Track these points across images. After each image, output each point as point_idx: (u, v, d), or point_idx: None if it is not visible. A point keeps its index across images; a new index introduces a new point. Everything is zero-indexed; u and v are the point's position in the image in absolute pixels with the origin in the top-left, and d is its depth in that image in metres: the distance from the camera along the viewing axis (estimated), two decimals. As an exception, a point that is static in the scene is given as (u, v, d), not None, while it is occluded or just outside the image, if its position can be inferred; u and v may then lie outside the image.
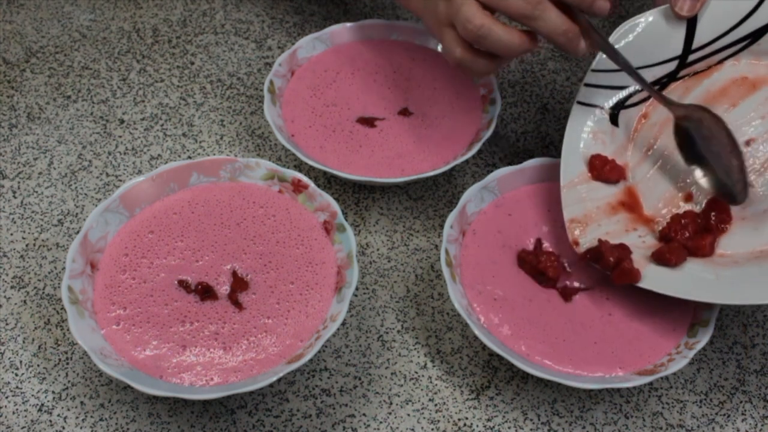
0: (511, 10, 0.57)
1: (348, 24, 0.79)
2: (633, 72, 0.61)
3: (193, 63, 0.83)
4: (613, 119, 0.65)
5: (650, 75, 0.65)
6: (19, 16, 0.86)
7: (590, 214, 0.62)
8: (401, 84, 0.76)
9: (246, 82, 0.81)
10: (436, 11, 0.62)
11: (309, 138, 0.71)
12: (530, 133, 0.79)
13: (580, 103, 0.65)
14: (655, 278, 0.58)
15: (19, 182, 0.71)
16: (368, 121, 0.73)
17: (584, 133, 0.64)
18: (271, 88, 0.73)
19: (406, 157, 0.70)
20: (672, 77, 0.65)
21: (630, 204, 0.63)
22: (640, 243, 0.61)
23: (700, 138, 0.61)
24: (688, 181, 0.62)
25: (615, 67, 0.62)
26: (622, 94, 0.65)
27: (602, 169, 0.63)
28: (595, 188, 0.63)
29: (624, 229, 0.62)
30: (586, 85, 0.65)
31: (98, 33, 0.85)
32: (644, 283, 0.58)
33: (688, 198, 0.62)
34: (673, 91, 0.65)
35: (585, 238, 0.61)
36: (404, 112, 0.74)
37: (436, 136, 0.72)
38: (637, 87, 0.65)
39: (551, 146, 0.77)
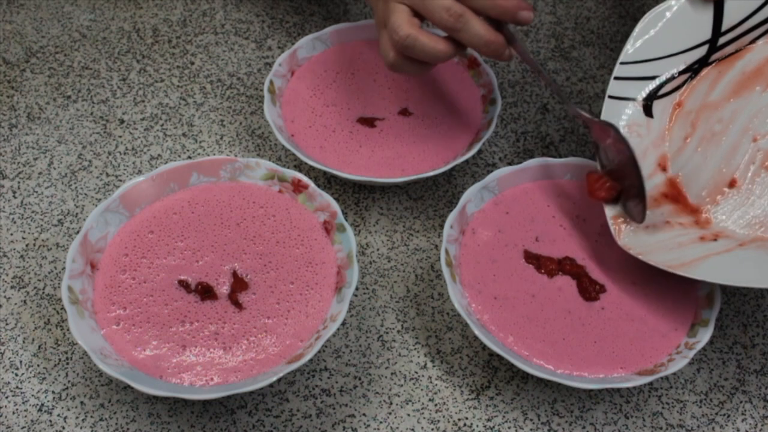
0: (435, 21, 0.58)
1: (348, 24, 0.79)
2: (555, 86, 0.62)
3: (193, 63, 0.83)
4: (647, 110, 0.64)
5: (681, 62, 0.64)
6: (19, 16, 0.86)
7: None
8: (401, 84, 0.76)
9: (246, 82, 0.81)
10: (376, 10, 0.63)
11: (309, 138, 0.71)
12: (530, 133, 0.79)
13: (611, 97, 0.64)
14: (714, 270, 0.57)
15: (19, 182, 0.71)
16: (368, 121, 0.73)
17: (619, 128, 0.64)
18: (271, 88, 0.73)
19: (406, 157, 0.70)
20: (703, 62, 0.64)
21: (673, 195, 0.62)
22: (686, 234, 0.60)
23: (610, 153, 0.61)
24: (731, 165, 0.61)
25: (645, 57, 0.61)
26: (654, 84, 0.64)
27: (594, 186, 0.63)
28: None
29: (666, 221, 0.61)
30: (616, 78, 0.64)
31: (98, 33, 0.85)
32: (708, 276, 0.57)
33: (732, 184, 0.61)
34: (705, 77, 0.64)
35: (628, 237, 0.60)
36: (404, 112, 0.74)
37: (436, 136, 0.72)
38: (669, 75, 0.64)
39: (551, 146, 0.77)
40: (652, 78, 0.64)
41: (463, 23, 0.57)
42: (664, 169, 0.63)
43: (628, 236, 0.60)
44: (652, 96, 0.64)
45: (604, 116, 0.63)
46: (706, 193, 0.61)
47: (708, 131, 0.62)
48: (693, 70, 0.64)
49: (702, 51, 0.64)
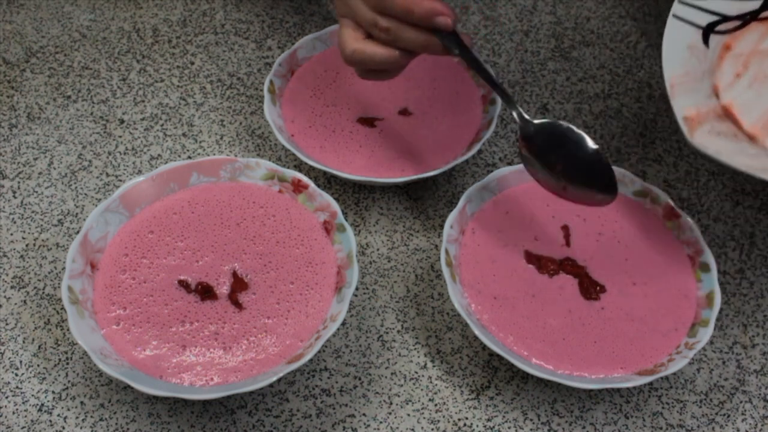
0: (374, 36, 0.60)
1: (348, 24, 0.79)
2: (495, 82, 0.61)
3: (193, 63, 0.83)
4: (705, 39, 0.64)
5: (735, 8, 0.64)
6: (19, 16, 0.86)
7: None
8: (401, 84, 0.76)
9: (246, 82, 0.81)
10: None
11: (309, 138, 0.71)
12: (530, 133, 0.79)
13: (675, 17, 0.63)
14: None
15: (19, 182, 0.71)
16: (368, 121, 0.73)
17: (681, 47, 0.63)
18: (271, 88, 0.73)
19: (406, 157, 0.70)
20: (754, 16, 0.64)
21: (732, 118, 0.61)
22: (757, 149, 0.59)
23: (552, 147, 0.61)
24: None
25: None
26: (713, 18, 0.64)
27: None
28: (689, 101, 0.61)
29: (734, 134, 0.59)
30: (680, 2, 0.64)
31: (98, 33, 0.85)
32: None
33: None
34: (754, 29, 0.64)
35: (702, 137, 0.58)
36: (404, 112, 0.74)
37: (436, 136, 0.72)
38: (723, 14, 0.64)
39: (551, 146, 0.77)
40: (711, 12, 0.64)
41: (396, 34, 0.58)
42: (717, 96, 0.63)
43: (702, 136, 0.59)
44: (710, 28, 0.64)
45: (668, 34, 0.63)
46: (762, 125, 0.61)
47: (761, 73, 0.62)
48: (743, 18, 0.64)
49: (755, 5, 0.64)
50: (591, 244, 0.64)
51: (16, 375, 0.60)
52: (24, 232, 0.68)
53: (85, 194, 0.71)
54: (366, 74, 0.63)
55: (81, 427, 0.57)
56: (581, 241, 0.64)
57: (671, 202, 0.65)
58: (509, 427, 0.59)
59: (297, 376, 0.60)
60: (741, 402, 0.61)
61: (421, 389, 0.60)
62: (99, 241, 0.60)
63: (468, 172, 0.75)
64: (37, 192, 0.71)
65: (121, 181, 0.72)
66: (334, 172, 0.67)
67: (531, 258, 0.62)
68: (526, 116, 0.61)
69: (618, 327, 0.59)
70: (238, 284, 0.59)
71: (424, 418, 0.59)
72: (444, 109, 0.74)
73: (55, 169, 0.73)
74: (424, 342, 0.63)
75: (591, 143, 0.59)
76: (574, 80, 0.84)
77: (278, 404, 0.59)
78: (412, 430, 0.58)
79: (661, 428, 0.59)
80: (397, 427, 0.58)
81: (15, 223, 0.69)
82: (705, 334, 0.58)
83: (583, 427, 0.59)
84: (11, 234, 0.68)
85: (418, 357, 0.62)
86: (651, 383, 0.61)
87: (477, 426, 0.59)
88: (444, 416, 0.59)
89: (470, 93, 0.75)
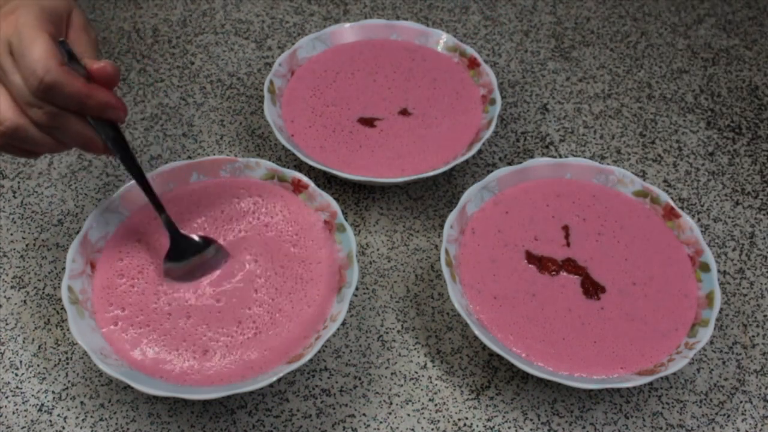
0: (31, 116, 0.49)
1: (348, 24, 0.79)
2: (148, 186, 0.57)
3: (193, 63, 0.83)
4: None
5: None
6: (19, 16, 0.86)
7: None
8: (401, 84, 0.76)
9: (246, 82, 0.81)
10: None
11: (309, 138, 0.71)
12: (530, 133, 0.79)
13: None
14: None
15: (19, 182, 0.71)
16: (368, 121, 0.73)
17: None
18: (271, 88, 0.73)
19: (406, 157, 0.70)
20: None
21: None
22: None
23: None
24: None
25: None
26: None
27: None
28: None
29: None
30: None
31: (98, 33, 0.85)
32: None
33: None
34: None
35: None
36: (404, 112, 0.74)
37: (436, 136, 0.72)
38: None
39: (551, 146, 0.77)
40: None
41: (58, 122, 0.49)
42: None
43: None
44: None
45: None
46: None
47: None
48: None
49: None
50: (591, 244, 0.64)
51: (16, 375, 0.60)
52: (24, 232, 0.68)
53: (85, 194, 0.71)
54: (11, 150, 0.52)
55: (81, 427, 0.57)
56: (581, 241, 0.64)
57: (671, 202, 0.65)
58: (509, 427, 0.59)
59: (297, 376, 0.60)
60: (741, 402, 0.61)
61: (421, 389, 0.60)
62: (99, 241, 0.60)
63: (468, 172, 0.75)
64: (37, 192, 0.71)
65: (121, 181, 0.72)
66: (334, 172, 0.67)
67: (532, 258, 0.62)
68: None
69: (618, 327, 0.59)
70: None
71: (424, 418, 0.59)
72: (444, 109, 0.74)
73: (55, 169, 0.73)
74: (424, 342, 0.63)
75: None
76: (574, 80, 0.84)
77: (278, 404, 0.59)
78: (412, 430, 0.58)
79: (661, 428, 0.59)
80: (397, 427, 0.58)
81: (15, 223, 0.69)
82: (705, 334, 0.58)
83: (583, 427, 0.59)
84: (11, 234, 0.68)
85: (418, 357, 0.62)
86: (651, 383, 0.61)
87: (477, 426, 0.59)
88: (444, 416, 0.59)
89: (470, 93, 0.75)
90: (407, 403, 0.59)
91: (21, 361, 0.60)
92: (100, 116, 0.51)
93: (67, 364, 0.60)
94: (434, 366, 0.61)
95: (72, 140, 0.51)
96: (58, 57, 0.48)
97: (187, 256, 0.59)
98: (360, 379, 0.61)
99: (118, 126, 0.53)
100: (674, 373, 0.62)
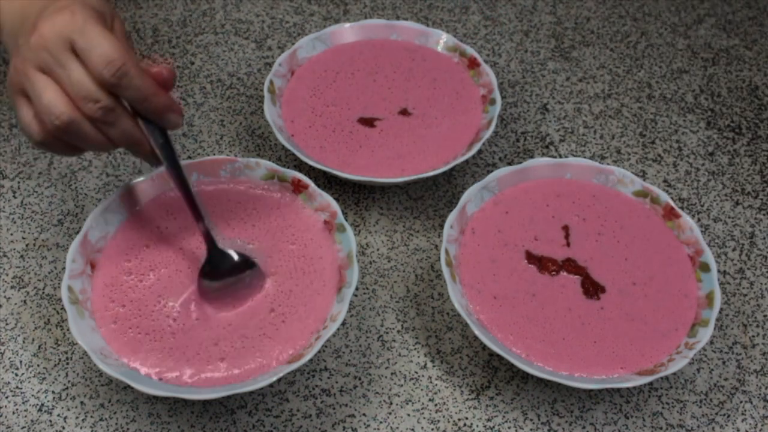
0: (84, 110, 0.49)
1: (348, 24, 0.79)
2: (194, 202, 0.57)
3: (193, 63, 0.83)
4: None
5: None
6: (19, 16, 0.86)
7: None
8: (401, 84, 0.76)
9: (246, 82, 0.81)
10: (10, 71, 0.51)
11: (309, 138, 0.71)
12: (530, 133, 0.79)
13: None
14: None
15: (19, 182, 0.71)
16: (368, 121, 0.73)
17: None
18: (271, 88, 0.73)
19: (406, 157, 0.70)
20: None
21: None
22: None
23: None
24: None
25: None
26: None
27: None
28: None
29: None
30: None
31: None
32: None
33: None
34: None
35: None
36: (404, 112, 0.74)
37: (436, 136, 0.72)
38: None
39: (551, 146, 0.77)
40: None
41: (112, 117, 0.50)
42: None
43: None
44: None
45: None
46: None
47: None
48: None
49: None
50: (591, 244, 0.64)
51: (16, 375, 0.60)
52: (24, 232, 0.68)
53: (85, 194, 0.71)
54: (51, 146, 0.52)
55: (81, 427, 0.57)
56: (581, 241, 0.64)
57: (671, 202, 0.65)
58: (509, 427, 0.59)
59: (297, 376, 0.60)
60: (741, 402, 0.61)
61: (421, 389, 0.60)
62: (99, 241, 0.60)
63: (468, 172, 0.75)
64: (37, 192, 0.71)
65: (121, 181, 0.72)
66: (334, 172, 0.67)
67: (532, 258, 0.62)
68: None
69: (618, 327, 0.59)
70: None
71: (424, 418, 0.59)
72: (444, 109, 0.74)
73: (55, 169, 0.73)
74: (424, 342, 0.63)
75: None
76: (574, 80, 0.84)
77: (278, 404, 0.59)
78: (412, 430, 0.58)
79: (661, 428, 0.59)
80: (397, 427, 0.58)
81: (15, 223, 0.69)
82: (705, 334, 0.58)
83: (583, 427, 0.59)
84: (11, 234, 0.68)
85: (418, 357, 0.62)
86: (651, 383, 0.61)
87: (477, 426, 0.58)
88: (444, 416, 0.59)
89: (470, 93, 0.75)
90: (407, 403, 0.59)
91: (21, 361, 0.60)
92: (158, 118, 0.52)
93: (67, 364, 0.60)
94: (434, 366, 0.61)
95: (121, 138, 0.51)
96: (131, 51, 0.49)
97: (222, 276, 0.58)
98: (360, 379, 0.61)
99: (168, 134, 0.54)
100: (674, 373, 0.62)
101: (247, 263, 0.58)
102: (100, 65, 0.48)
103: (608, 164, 0.72)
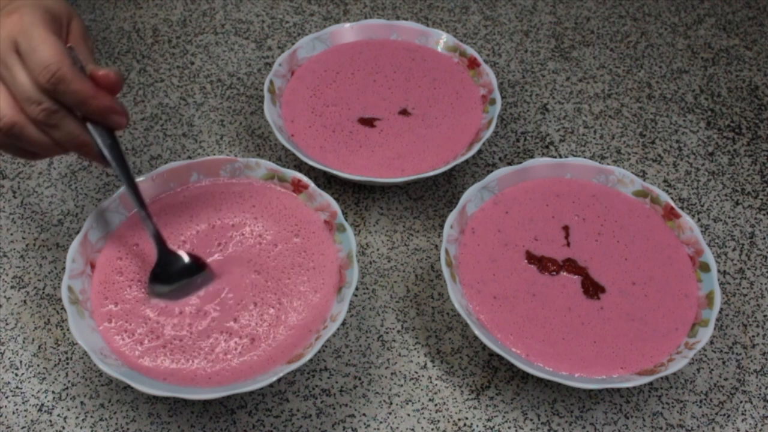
0: (28, 113, 0.50)
1: (348, 24, 0.79)
2: (134, 191, 0.57)
3: (193, 63, 0.83)
4: None
5: None
6: (19, 16, 0.86)
7: None
8: (401, 84, 0.76)
9: (246, 82, 0.81)
10: None
11: (309, 138, 0.71)
12: (530, 133, 0.79)
13: None
14: None
15: (19, 182, 0.71)
16: (368, 121, 0.73)
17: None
18: (271, 88, 0.73)
19: (406, 157, 0.70)
20: None
21: None
22: None
23: None
24: None
25: None
26: None
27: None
28: None
29: None
30: None
31: (98, 33, 0.85)
32: None
33: None
34: None
35: None
36: (404, 112, 0.74)
37: (436, 136, 0.72)
38: None
39: (551, 146, 0.77)
40: None
41: (56, 120, 0.50)
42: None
43: None
44: None
45: None
46: None
47: None
48: None
49: None
50: (591, 244, 0.64)
51: (16, 375, 0.60)
52: (24, 232, 0.68)
53: (85, 194, 0.71)
54: (10, 149, 0.53)
55: (81, 427, 0.57)
56: (581, 241, 0.64)
57: (671, 202, 0.65)
58: (509, 427, 0.59)
59: (297, 376, 0.60)
60: (741, 402, 0.61)
61: (421, 389, 0.60)
62: (99, 241, 0.60)
63: (468, 172, 0.75)
64: (37, 192, 0.71)
65: (121, 181, 0.72)
66: (334, 172, 0.67)
67: (532, 258, 0.62)
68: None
69: (618, 327, 0.59)
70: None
71: (424, 418, 0.59)
72: (444, 109, 0.74)
73: (55, 169, 0.73)
74: (424, 342, 0.63)
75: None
76: (574, 80, 0.84)
77: (278, 404, 0.59)
78: (412, 430, 0.58)
79: (661, 428, 0.59)
80: (397, 427, 0.58)
81: (15, 223, 0.69)
82: (705, 334, 0.58)
83: (583, 427, 0.59)
84: (11, 234, 0.68)
85: (418, 357, 0.62)
86: (651, 383, 0.61)
87: (477, 426, 0.58)
88: (444, 416, 0.59)
89: (470, 93, 0.75)
90: (407, 403, 0.59)
91: (21, 361, 0.60)
92: (101, 120, 0.52)
93: (67, 364, 0.60)
94: (434, 366, 0.61)
95: (67, 141, 0.51)
96: (69, 56, 0.49)
97: (174, 280, 0.57)
98: (360, 379, 0.61)
99: (115, 134, 0.54)
100: (674, 373, 0.62)
101: (197, 266, 0.58)
102: (37, 70, 0.48)
103: (608, 164, 0.72)
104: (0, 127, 0.49)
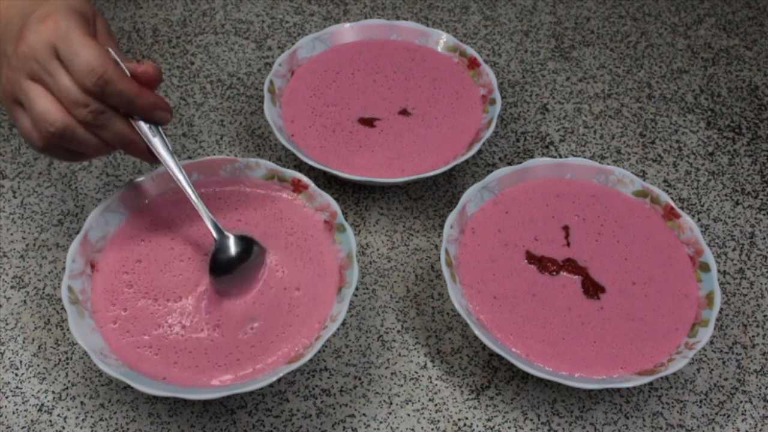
0: (77, 117, 0.51)
1: (348, 24, 0.79)
2: (190, 188, 0.58)
3: (193, 63, 0.83)
4: None
5: None
6: (19, 16, 0.86)
7: None
8: (401, 84, 0.76)
9: (246, 82, 0.81)
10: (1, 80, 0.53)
11: (309, 138, 0.71)
12: (530, 133, 0.79)
13: None
14: None
15: (19, 182, 0.71)
16: (368, 121, 0.73)
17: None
18: (271, 88, 0.73)
19: (406, 157, 0.70)
20: None
21: None
22: None
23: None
24: None
25: None
26: None
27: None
28: None
29: None
30: None
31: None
32: None
33: None
34: None
35: None
36: (404, 112, 0.74)
37: (436, 136, 0.72)
38: None
39: (551, 146, 0.77)
40: None
41: (104, 120, 0.51)
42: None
43: None
44: None
45: None
46: None
47: None
48: None
49: None
50: (591, 244, 0.64)
51: (16, 375, 0.60)
52: (24, 232, 0.68)
53: (85, 194, 0.71)
54: (57, 153, 0.53)
55: (81, 427, 0.57)
56: (581, 241, 0.64)
57: (671, 202, 0.65)
58: (509, 427, 0.59)
59: (297, 376, 0.60)
60: (741, 402, 0.61)
61: (421, 389, 0.60)
62: (99, 241, 0.60)
63: (468, 172, 0.75)
64: (37, 192, 0.71)
65: (121, 181, 0.72)
66: (334, 172, 0.67)
67: (532, 258, 0.62)
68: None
69: (618, 327, 0.59)
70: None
71: (424, 418, 0.59)
72: (444, 109, 0.74)
73: (55, 169, 0.73)
74: (424, 342, 0.63)
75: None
76: (574, 80, 0.84)
77: (278, 404, 0.59)
78: (412, 430, 0.58)
79: (661, 428, 0.59)
80: (397, 427, 0.58)
81: (15, 223, 0.69)
82: (705, 334, 0.58)
83: (583, 427, 0.59)
84: (11, 234, 0.68)
85: (418, 357, 0.62)
86: (651, 383, 0.61)
87: (477, 426, 0.59)
88: (444, 416, 0.59)
89: (470, 93, 0.75)
90: (407, 403, 0.59)
91: (21, 361, 0.60)
92: (147, 117, 0.54)
93: (67, 364, 0.60)
94: (434, 366, 0.61)
95: (116, 140, 0.52)
96: (111, 58, 0.50)
97: (233, 264, 0.58)
98: (360, 379, 0.61)
99: (161, 130, 0.55)
100: (674, 373, 0.62)
101: (250, 244, 0.59)
102: (82, 74, 0.49)
103: (608, 164, 0.72)
104: (53, 132, 0.50)
